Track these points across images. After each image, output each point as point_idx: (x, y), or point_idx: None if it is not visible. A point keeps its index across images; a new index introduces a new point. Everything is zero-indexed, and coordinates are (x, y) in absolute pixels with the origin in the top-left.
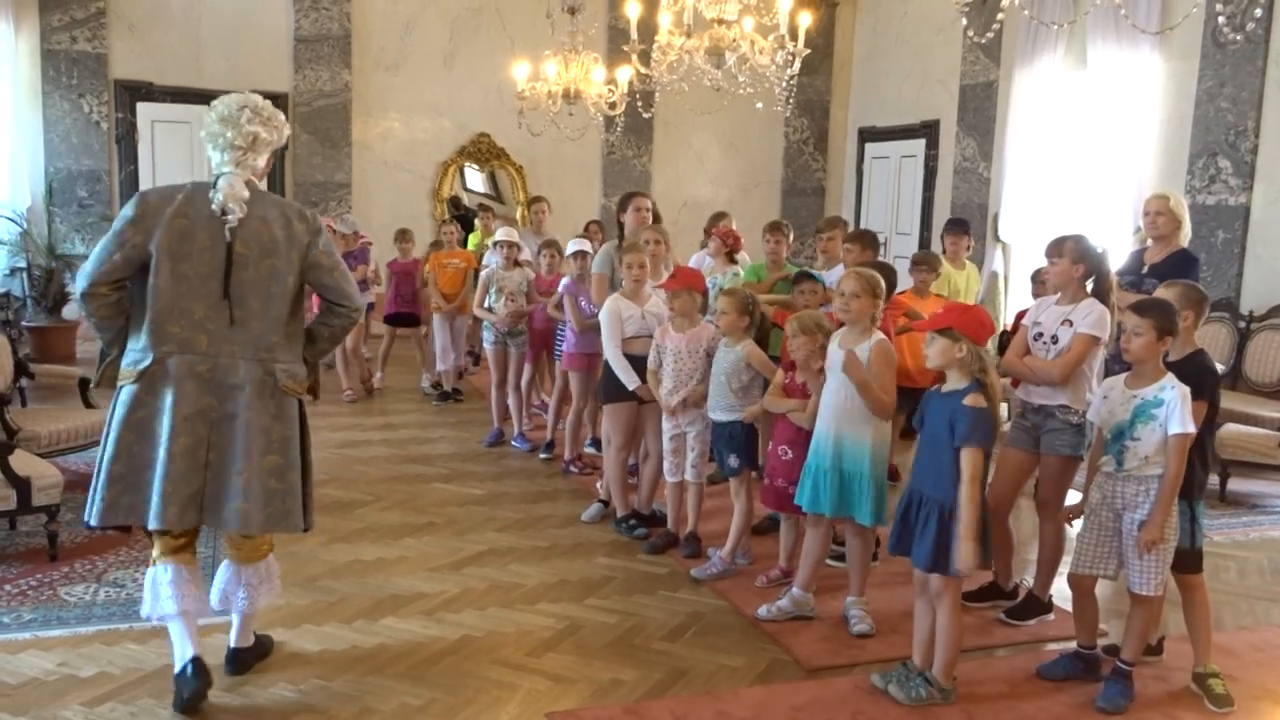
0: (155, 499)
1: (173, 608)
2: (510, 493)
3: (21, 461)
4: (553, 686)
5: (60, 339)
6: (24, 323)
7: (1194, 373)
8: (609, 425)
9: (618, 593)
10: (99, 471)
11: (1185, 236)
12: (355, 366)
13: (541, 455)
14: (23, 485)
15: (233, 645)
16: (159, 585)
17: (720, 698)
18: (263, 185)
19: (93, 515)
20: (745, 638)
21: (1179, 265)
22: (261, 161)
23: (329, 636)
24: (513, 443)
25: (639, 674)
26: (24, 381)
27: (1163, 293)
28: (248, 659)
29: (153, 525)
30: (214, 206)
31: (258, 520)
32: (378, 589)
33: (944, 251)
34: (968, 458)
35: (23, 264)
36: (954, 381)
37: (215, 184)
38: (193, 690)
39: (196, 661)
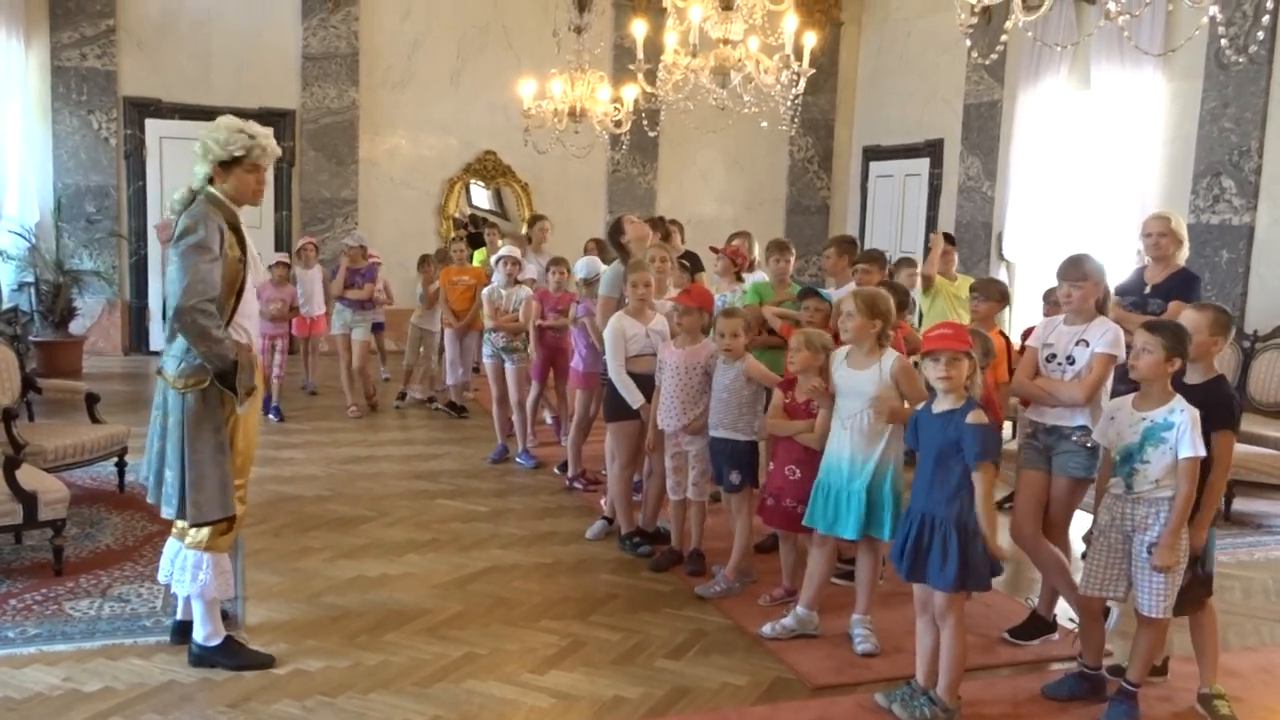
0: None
1: (163, 577)
2: (514, 509)
3: (28, 476)
4: (556, 704)
5: (67, 354)
6: (31, 338)
7: (1219, 400)
8: (613, 443)
9: (621, 610)
10: None
11: (1184, 255)
12: (359, 383)
13: (557, 470)
14: (29, 500)
15: (191, 636)
16: (164, 556)
17: (724, 716)
18: (215, 192)
19: None
20: (749, 656)
21: (1183, 285)
22: (199, 168)
23: (332, 653)
24: (517, 459)
25: (642, 692)
26: (31, 396)
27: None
28: (199, 655)
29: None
30: None
31: (155, 493)
32: (381, 605)
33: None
34: (982, 475)
35: (31, 279)
36: (946, 402)
37: None
38: (175, 641)
39: (176, 625)
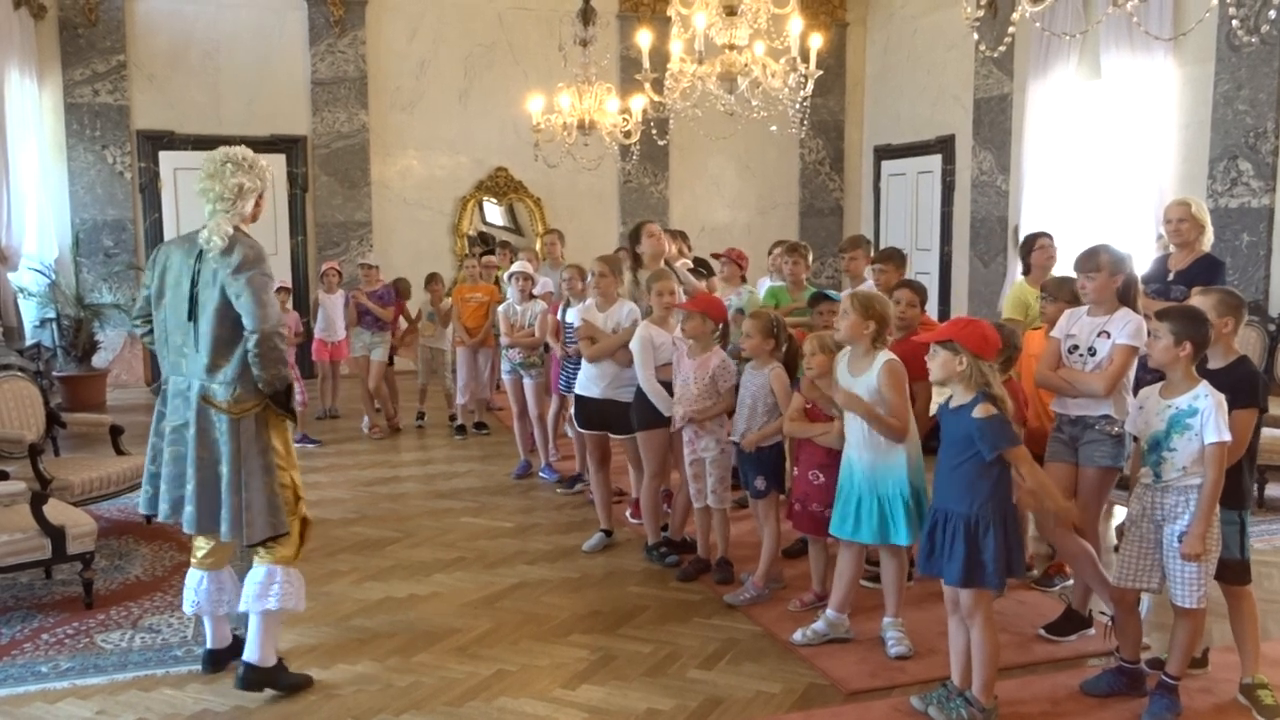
0: (160, 497)
1: (189, 608)
2: (540, 524)
3: (55, 511)
4: (589, 719)
5: (91, 388)
6: (55, 373)
7: (1240, 380)
8: (643, 452)
9: (651, 621)
10: (145, 469)
11: (1208, 241)
12: (381, 404)
13: (560, 490)
14: (57, 534)
15: (243, 658)
16: (187, 586)
17: None
18: (244, 227)
19: (140, 504)
20: (782, 663)
21: (1206, 270)
22: (249, 207)
23: (363, 675)
24: (540, 473)
25: (675, 703)
26: (56, 431)
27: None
28: (253, 678)
29: (159, 519)
30: (200, 242)
31: (202, 524)
32: (410, 626)
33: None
34: (1014, 457)
35: (52, 314)
36: (960, 396)
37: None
38: (207, 670)
39: (207, 654)
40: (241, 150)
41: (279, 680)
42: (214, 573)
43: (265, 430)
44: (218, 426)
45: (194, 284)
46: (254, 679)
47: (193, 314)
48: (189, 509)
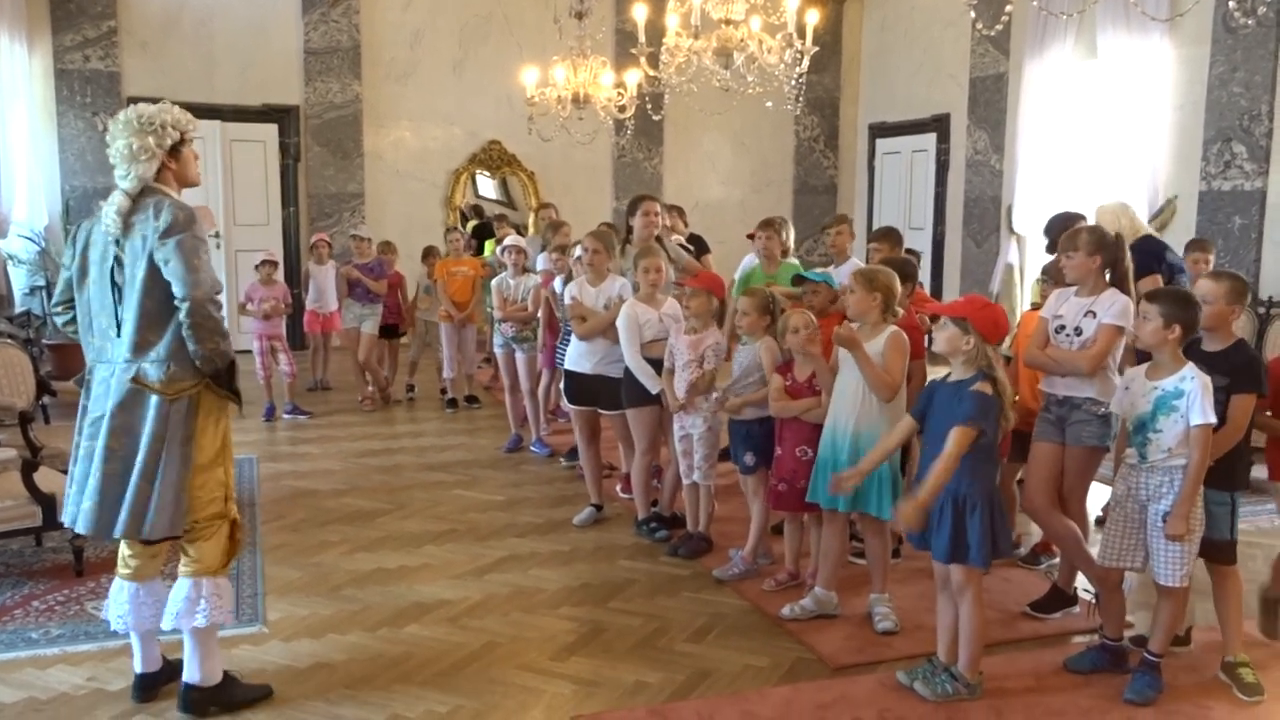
0: (69, 501)
1: (116, 624)
2: (530, 498)
3: (46, 478)
4: (577, 690)
5: (81, 356)
6: (45, 341)
7: (1242, 365)
8: (634, 429)
9: (640, 595)
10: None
11: (1134, 232)
12: (372, 376)
13: (563, 460)
14: (47, 502)
15: (183, 679)
16: (110, 599)
17: (746, 698)
18: (159, 186)
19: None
20: (769, 637)
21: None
22: (150, 170)
23: (354, 646)
24: (531, 448)
25: (663, 676)
26: (46, 399)
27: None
28: (197, 699)
29: (68, 524)
30: (100, 224)
31: (100, 521)
32: (401, 597)
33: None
34: (956, 434)
35: (42, 282)
36: (960, 372)
37: None
38: (137, 699)
39: (138, 678)
40: (139, 109)
41: (228, 697)
42: (145, 584)
43: (194, 418)
44: (144, 411)
45: (118, 259)
46: (197, 699)
47: (116, 292)
48: (87, 505)
